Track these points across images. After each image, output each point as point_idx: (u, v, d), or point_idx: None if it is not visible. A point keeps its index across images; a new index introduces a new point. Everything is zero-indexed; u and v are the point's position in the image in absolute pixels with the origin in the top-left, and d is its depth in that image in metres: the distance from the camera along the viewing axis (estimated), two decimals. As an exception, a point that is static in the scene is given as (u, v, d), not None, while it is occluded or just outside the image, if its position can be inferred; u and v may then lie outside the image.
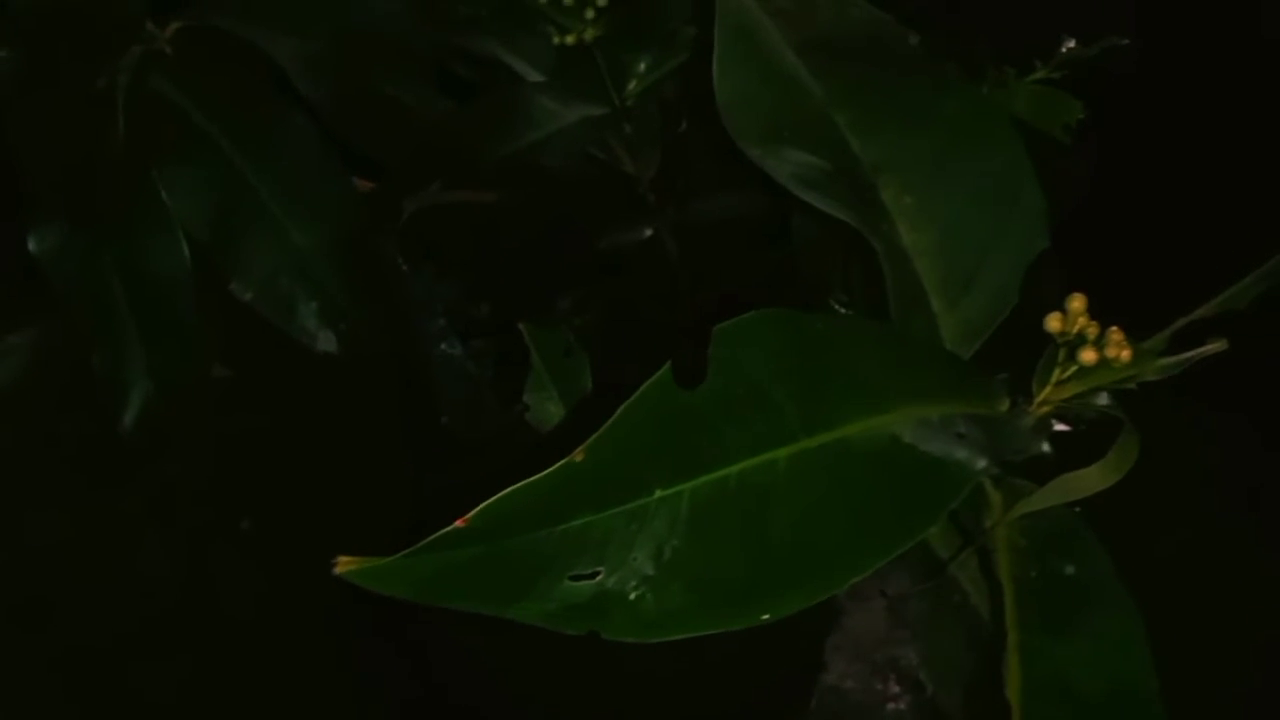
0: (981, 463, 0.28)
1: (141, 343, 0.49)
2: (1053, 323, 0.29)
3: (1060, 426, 0.33)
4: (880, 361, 0.28)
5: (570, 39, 0.48)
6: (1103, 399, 0.30)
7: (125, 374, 0.49)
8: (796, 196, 0.32)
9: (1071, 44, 0.80)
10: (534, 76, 0.53)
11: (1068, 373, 0.30)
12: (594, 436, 0.24)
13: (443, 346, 0.77)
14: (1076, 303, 0.29)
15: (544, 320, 0.87)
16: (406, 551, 0.24)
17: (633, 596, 0.24)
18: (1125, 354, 0.29)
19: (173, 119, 0.50)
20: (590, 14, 0.48)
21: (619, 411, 0.25)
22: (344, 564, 0.24)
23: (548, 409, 0.49)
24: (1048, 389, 0.30)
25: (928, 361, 0.30)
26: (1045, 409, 0.31)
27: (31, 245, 0.49)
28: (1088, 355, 0.28)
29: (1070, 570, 0.31)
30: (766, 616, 0.25)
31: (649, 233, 0.66)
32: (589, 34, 0.48)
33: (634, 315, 0.74)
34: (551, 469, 0.24)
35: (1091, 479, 0.30)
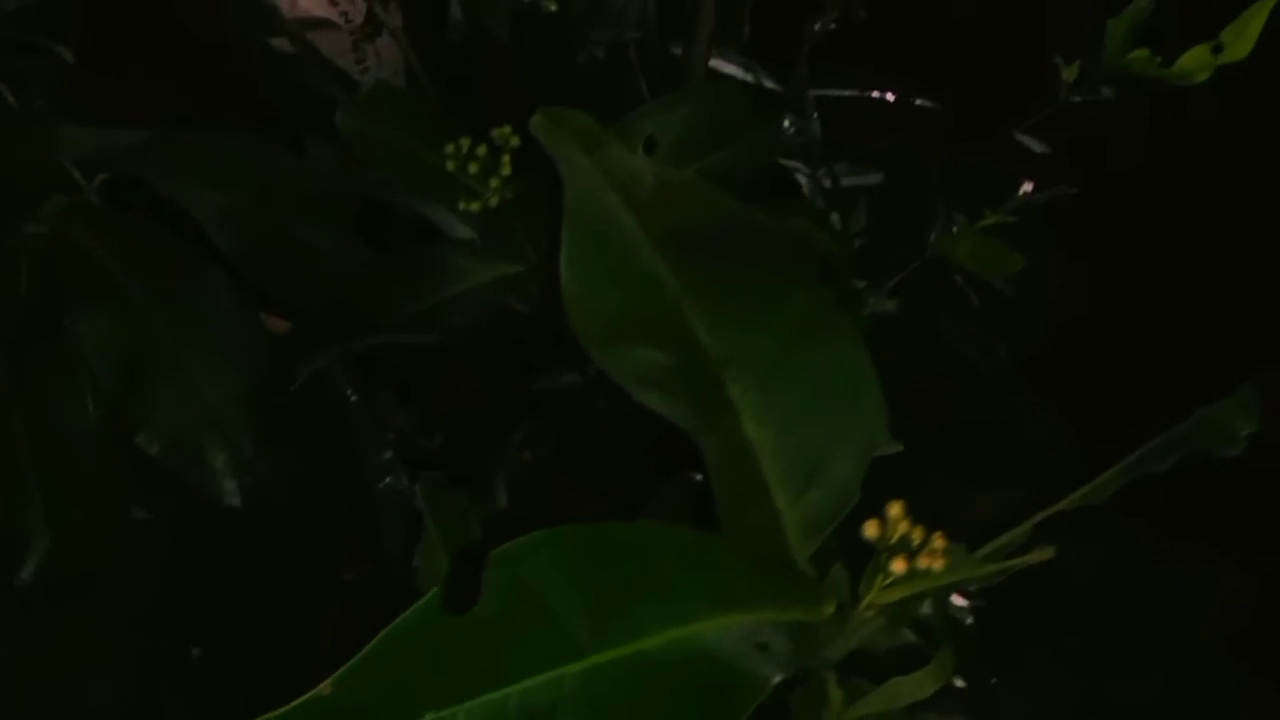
0: (778, 675, 0.27)
1: (42, 497, 0.49)
2: (870, 529, 0.29)
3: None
4: (689, 569, 0.28)
5: (475, 206, 0.49)
6: (925, 607, 0.30)
7: (25, 528, 0.50)
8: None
9: (1028, 188, 0.81)
10: (457, 232, 0.54)
11: (890, 579, 0.30)
12: (343, 669, 0.24)
13: (388, 480, 0.78)
14: (894, 509, 0.29)
15: (494, 454, 0.87)
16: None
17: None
18: (938, 564, 0.29)
19: (90, 270, 0.51)
20: (495, 182, 0.49)
21: (374, 641, 0.24)
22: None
23: (440, 572, 0.49)
24: (873, 593, 0.30)
25: (744, 566, 0.30)
26: (871, 613, 0.30)
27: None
28: (897, 565, 0.28)
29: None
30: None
31: (576, 378, 0.66)
32: (494, 200, 0.49)
33: (583, 449, 0.74)
34: (297, 703, 0.24)
35: (916, 685, 0.30)
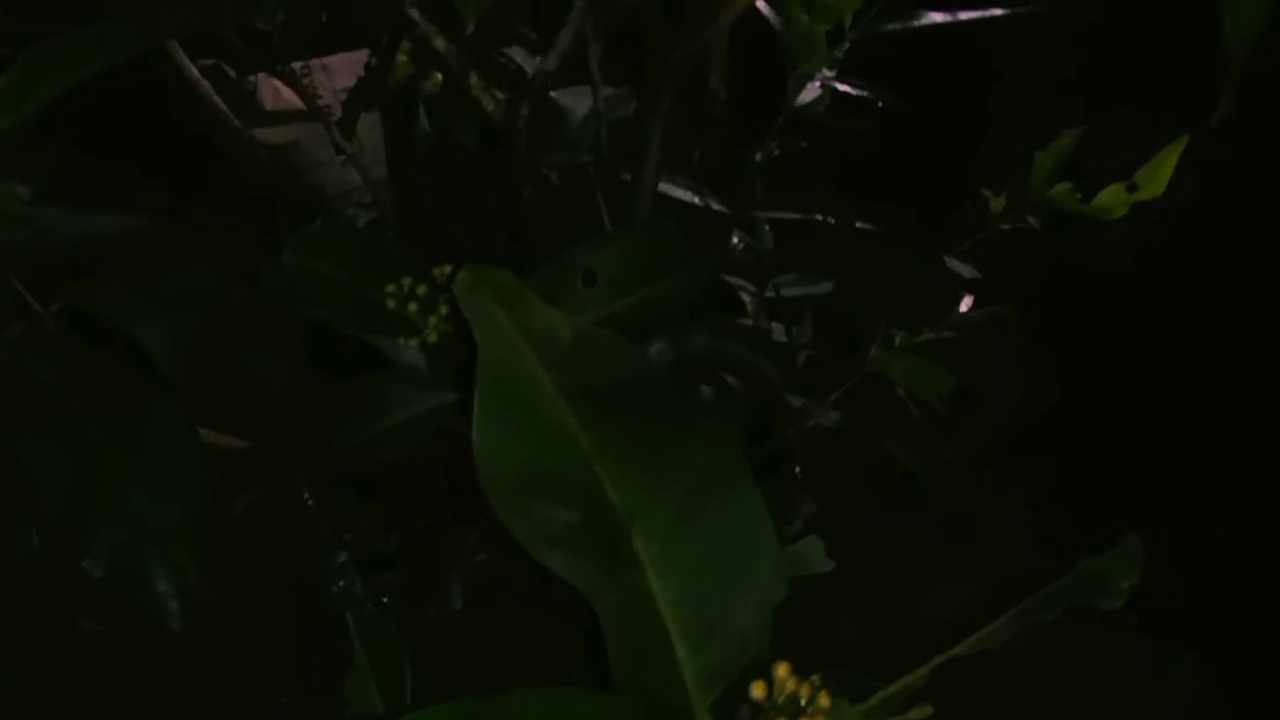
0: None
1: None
2: (756, 690, 0.31)
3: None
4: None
5: (415, 342, 0.51)
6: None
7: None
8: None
9: (967, 305, 0.84)
10: (405, 358, 0.56)
11: (778, 737, 0.31)
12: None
13: (341, 584, 0.79)
14: (781, 670, 0.31)
15: (449, 556, 0.89)
16: None
17: None
18: (820, 720, 0.30)
19: (40, 397, 0.53)
20: (434, 320, 0.51)
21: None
22: None
23: (369, 700, 0.50)
24: (765, 750, 0.32)
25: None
26: (767, 766, 0.32)
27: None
28: (782, 730, 0.30)
29: None
30: None
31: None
32: (432, 337, 0.51)
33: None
34: None
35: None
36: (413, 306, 0.50)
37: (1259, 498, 1.04)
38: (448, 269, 0.51)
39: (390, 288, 0.51)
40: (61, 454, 0.52)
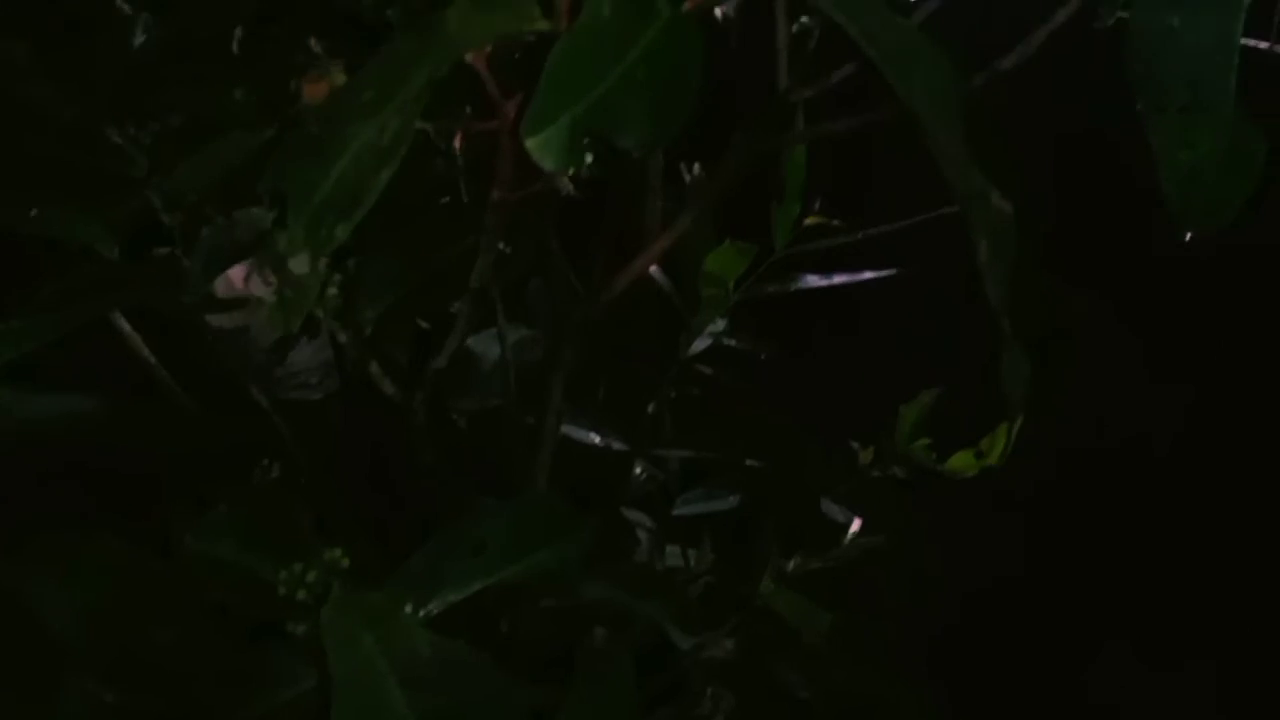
0: None
1: None
2: None
3: None
4: None
5: (301, 629, 0.55)
6: None
7: None
8: None
9: (855, 527, 0.89)
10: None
11: None
12: None
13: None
14: None
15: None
16: None
17: None
18: None
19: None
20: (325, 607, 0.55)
21: None
22: None
23: None
24: None
25: None
26: None
27: None
28: None
29: None
30: None
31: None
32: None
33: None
34: None
35: None
36: (301, 594, 0.55)
37: None
38: (339, 552, 0.56)
39: (282, 574, 0.55)
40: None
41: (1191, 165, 0.46)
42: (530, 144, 0.35)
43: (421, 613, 0.53)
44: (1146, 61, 0.46)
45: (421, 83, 0.35)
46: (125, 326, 0.75)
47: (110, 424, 0.76)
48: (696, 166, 0.86)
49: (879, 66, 0.38)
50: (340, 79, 0.47)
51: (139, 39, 0.76)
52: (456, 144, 0.58)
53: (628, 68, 0.36)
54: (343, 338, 0.61)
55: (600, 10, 0.36)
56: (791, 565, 0.87)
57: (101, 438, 0.77)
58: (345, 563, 0.56)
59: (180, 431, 0.82)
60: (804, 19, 0.70)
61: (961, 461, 0.70)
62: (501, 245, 0.60)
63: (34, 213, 0.60)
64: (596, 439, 0.86)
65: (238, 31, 0.76)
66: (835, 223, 0.80)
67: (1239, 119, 0.45)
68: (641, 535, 0.86)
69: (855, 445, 0.77)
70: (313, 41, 0.75)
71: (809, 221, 0.82)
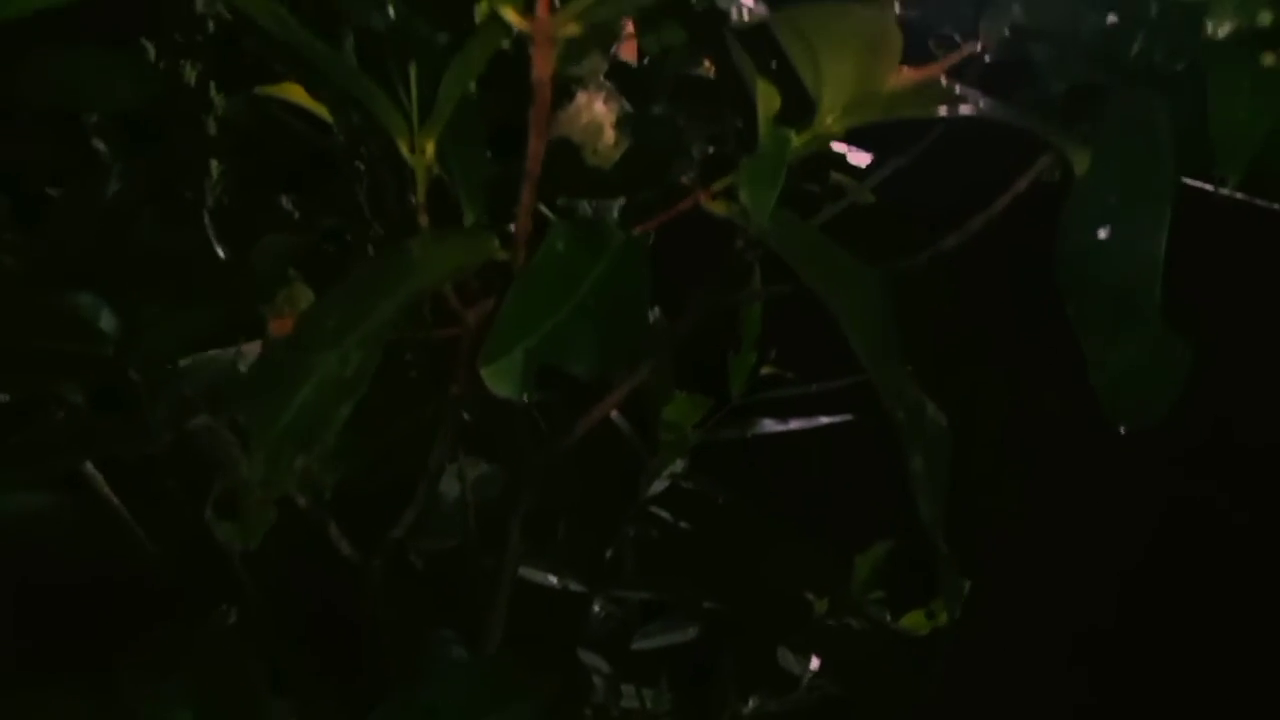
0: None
1: None
2: None
3: None
4: None
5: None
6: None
7: None
8: None
9: (815, 665, 0.90)
10: None
11: None
12: None
13: None
14: None
15: None
16: None
17: None
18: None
19: None
20: None
21: None
22: None
23: None
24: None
25: None
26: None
27: None
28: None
29: None
30: None
31: None
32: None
33: None
34: None
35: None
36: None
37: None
38: (293, 722, 0.56)
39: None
40: None
41: (1120, 369, 0.48)
42: (485, 373, 0.36)
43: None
44: (1076, 271, 0.48)
45: (385, 316, 0.36)
46: (89, 468, 0.76)
47: (69, 548, 0.77)
48: (657, 310, 0.89)
49: (815, 292, 0.40)
50: (306, 298, 0.48)
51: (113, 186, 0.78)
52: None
53: (580, 299, 0.38)
54: (301, 501, 0.61)
55: (555, 245, 0.38)
56: (749, 708, 0.88)
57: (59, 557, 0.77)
58: (299, 732, 0.56)
59: (138, 569, 0.82)
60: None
61: (914, 620, 0.71)
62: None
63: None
64: (554, 580, 0.87)
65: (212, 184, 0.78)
66: (789, 375, 0.82)
67: (1164, 327, 0.47)
68: (597, 680, 0.87)
69: (810, 596, 0.78)
70: (284, 199, 0.77)
71: (764, 371, 0.84)
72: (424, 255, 0.38)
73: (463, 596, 0.83)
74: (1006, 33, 0.56)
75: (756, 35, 0.39)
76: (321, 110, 0.48)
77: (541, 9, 0.31)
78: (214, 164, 0.80)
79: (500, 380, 0.36)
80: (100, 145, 0.80)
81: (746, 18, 0.38)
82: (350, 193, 0.77)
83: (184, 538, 0.78)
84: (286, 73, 0.47)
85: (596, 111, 0.62)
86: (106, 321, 0.65)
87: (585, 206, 0.65)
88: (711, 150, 0.79)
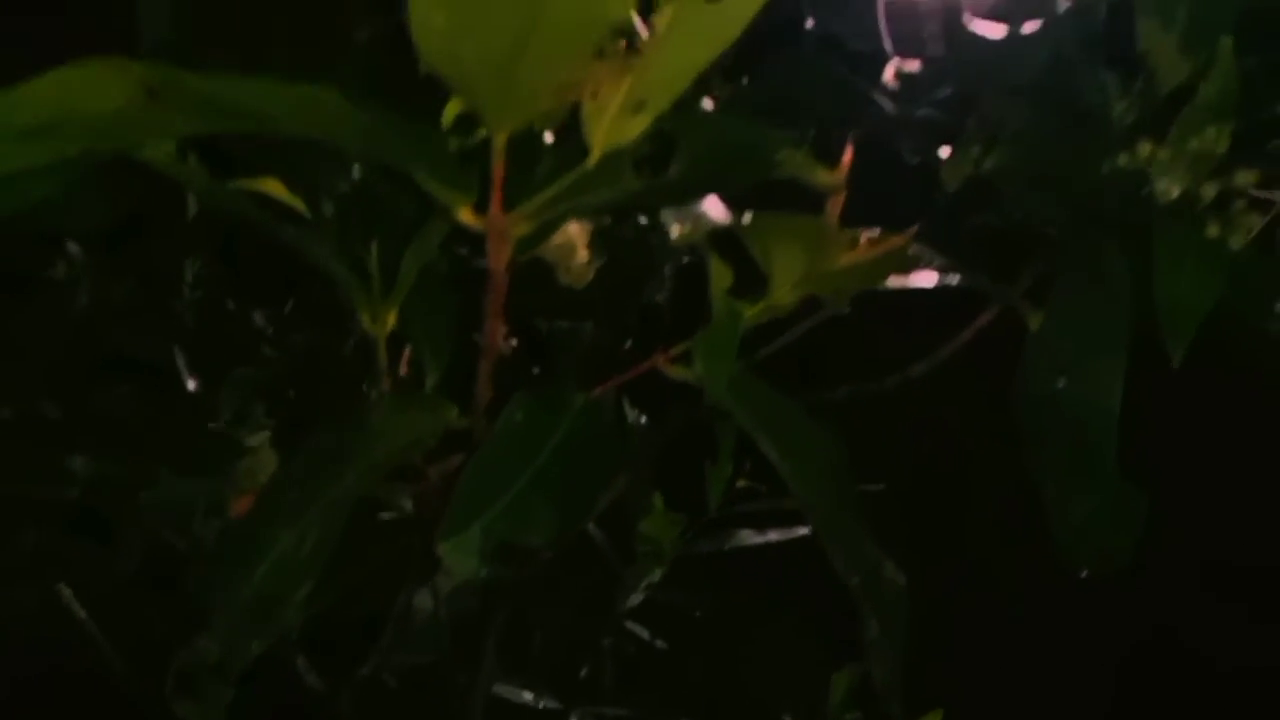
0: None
1: None
2: None
3: None
4: None
5: None
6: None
7: None
8: None
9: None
10: None
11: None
12: None
13: None
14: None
15: None
16: None
17: None
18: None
19: None
20: None
21: None
22: None
23: None
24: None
25: None
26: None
27: None
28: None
29: None
30: None
31: None
32: None
33: None
34: None
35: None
36: None
37: None
38: None
39: None
40: None
41: (1080, 518, 0.48)
42: (442, 549, 0.37)
43: None
44: (1036, 422, 0.49)
45: (346, 488, 0.37)
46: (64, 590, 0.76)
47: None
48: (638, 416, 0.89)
49: (771, 459, 0.41)
50: (268, 467, 0.49)
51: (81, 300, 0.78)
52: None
53: (539, 468, 0.38)
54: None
55: (514, 416, 0.39)
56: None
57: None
58: None
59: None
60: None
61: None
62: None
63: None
64: (529, 697, 0.86)
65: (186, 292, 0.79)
66: (763, 489, 0.83)
67: (1121, 479, 0.48)
68: (574, 800, 0.86)
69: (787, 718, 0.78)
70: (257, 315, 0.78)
71: (740, 484, 0.84)
72: (384, 426, 0.38)
73: (437, 715, 0.83)
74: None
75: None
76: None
77: (495, 208, 0.32)
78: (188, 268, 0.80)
79: (458, 557, 0.36)
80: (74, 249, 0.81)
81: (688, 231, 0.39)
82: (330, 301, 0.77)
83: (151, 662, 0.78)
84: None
85: (569, 231, 0.63)
86: (74, 462, 0.65)
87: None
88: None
